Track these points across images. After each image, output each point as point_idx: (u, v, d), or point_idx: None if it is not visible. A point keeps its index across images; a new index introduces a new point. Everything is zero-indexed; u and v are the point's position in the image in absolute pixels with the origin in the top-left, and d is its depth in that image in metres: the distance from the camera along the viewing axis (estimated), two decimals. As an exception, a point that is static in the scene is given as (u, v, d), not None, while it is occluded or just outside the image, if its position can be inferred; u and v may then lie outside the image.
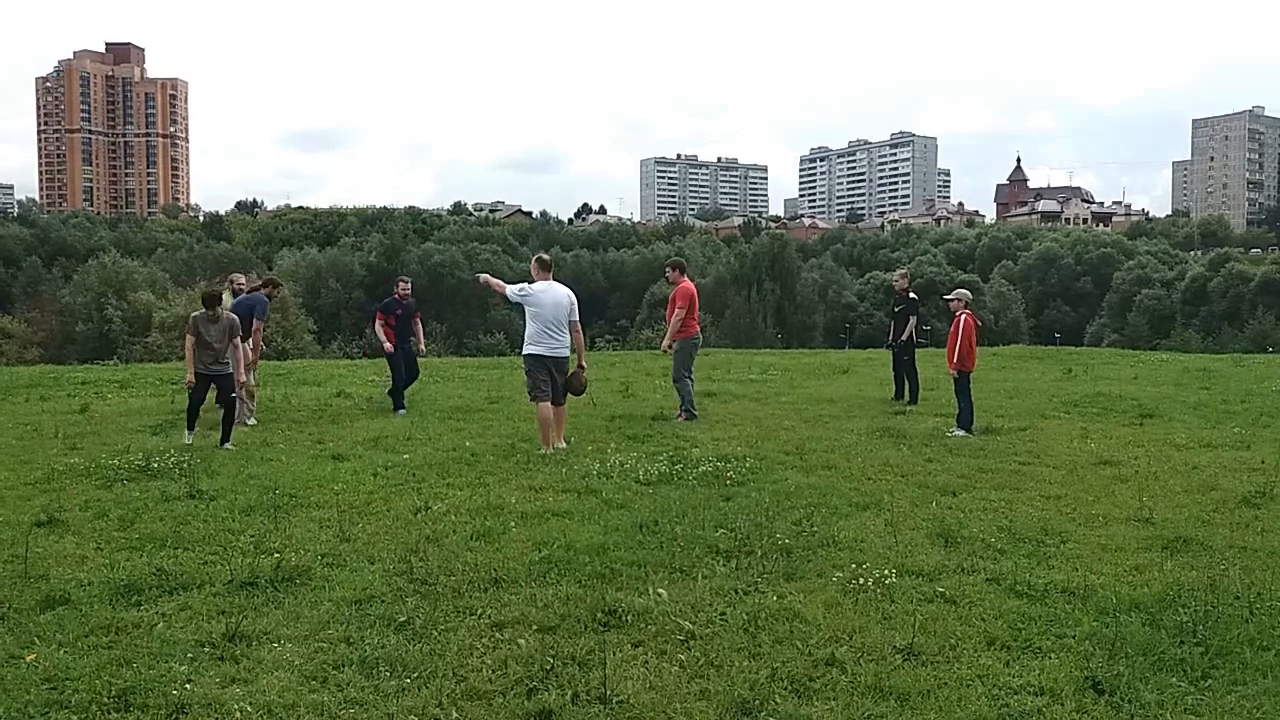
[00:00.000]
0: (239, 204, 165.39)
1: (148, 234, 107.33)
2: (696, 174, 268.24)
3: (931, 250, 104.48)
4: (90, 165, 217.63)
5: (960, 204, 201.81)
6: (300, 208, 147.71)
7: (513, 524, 6.36)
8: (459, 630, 4.53)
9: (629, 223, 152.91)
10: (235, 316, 10.16)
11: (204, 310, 9.87)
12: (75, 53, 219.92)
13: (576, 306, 9.49)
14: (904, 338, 13.35)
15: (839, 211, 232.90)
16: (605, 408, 12.23)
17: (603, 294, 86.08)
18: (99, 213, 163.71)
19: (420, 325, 13.04)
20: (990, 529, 6.28)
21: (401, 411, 12.08)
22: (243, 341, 11.15)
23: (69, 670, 4.07)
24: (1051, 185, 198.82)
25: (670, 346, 11.62)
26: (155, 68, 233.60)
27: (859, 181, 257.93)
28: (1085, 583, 5.13)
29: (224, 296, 12.56)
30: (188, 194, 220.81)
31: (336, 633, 4.50)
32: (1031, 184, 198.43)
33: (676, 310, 11.48)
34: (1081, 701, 3.84)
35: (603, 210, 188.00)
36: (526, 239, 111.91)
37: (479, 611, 4.75)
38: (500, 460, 8.72)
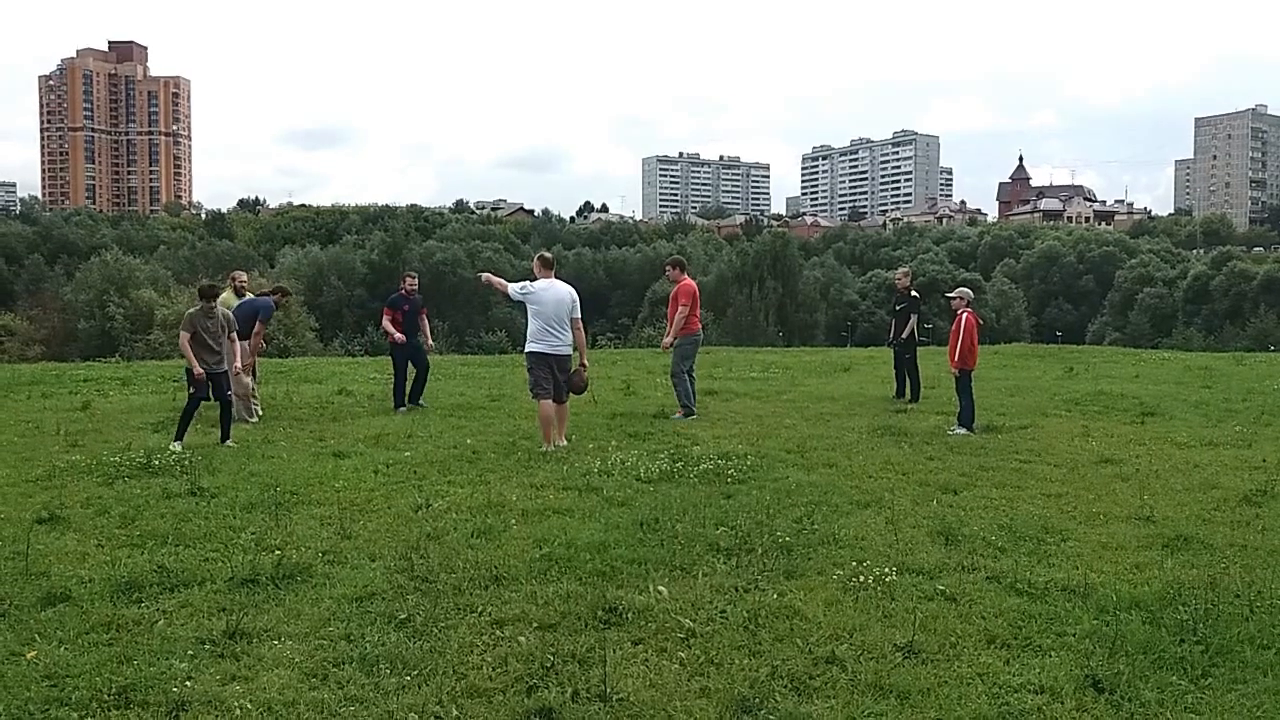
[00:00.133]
0: (241, 202, 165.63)
1: (150, 232, 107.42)
2: (698, 172, 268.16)
3: (933, 248, 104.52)
4: (93, 163, 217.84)
5: (962, 202, 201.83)
6: (302, 206, 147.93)
7: (513, 521, 6.36)
8: (459, 627, 4.53)
9: (631, 221, 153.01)
10: (229, 312, 10.11)
11: (200, 304, 9.75)
12: (78, 51, 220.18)
13: (578, 304, 9.48)
14: (905, 336, 13.35)
15: (841, 210, 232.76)
16: (606, 405, 12.23)
17: (604, 292, 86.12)
18: (101, 210, 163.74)
19: (426, 321, 12.93)
20: (991, 527, 6.28)
21: (402, 409, 12.08)
22: (241, 340, 11.16)
23: (69, 667, 4.07)
24: (1054, 184, 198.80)
25: (670, 344, 11.62)
26: (158, 66, 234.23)
27: (861, 180, 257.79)
28: (1086, 581, 5.13)
29: (226, 294, 12.59)
30: (190, 192, 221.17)
31: (337, 630, 4.51)
32: (1034, 182, 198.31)
33: (680, 307, 11.48)
34: (1082, 700, 3.84)
35: (604, 208, 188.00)
36: (528, 237, 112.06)
37: (479, 609, 4.75)
38: (501, 458, 8.72)
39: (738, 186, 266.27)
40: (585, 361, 9.65)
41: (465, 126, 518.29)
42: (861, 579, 5.07)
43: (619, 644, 4.32)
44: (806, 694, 3.88)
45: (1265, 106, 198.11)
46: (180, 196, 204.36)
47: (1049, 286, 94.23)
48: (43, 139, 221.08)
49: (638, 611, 4.67)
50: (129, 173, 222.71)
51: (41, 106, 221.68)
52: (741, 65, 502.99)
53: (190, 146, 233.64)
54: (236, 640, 4.36)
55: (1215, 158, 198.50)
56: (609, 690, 3.85)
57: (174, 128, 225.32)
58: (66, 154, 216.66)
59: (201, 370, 9.40)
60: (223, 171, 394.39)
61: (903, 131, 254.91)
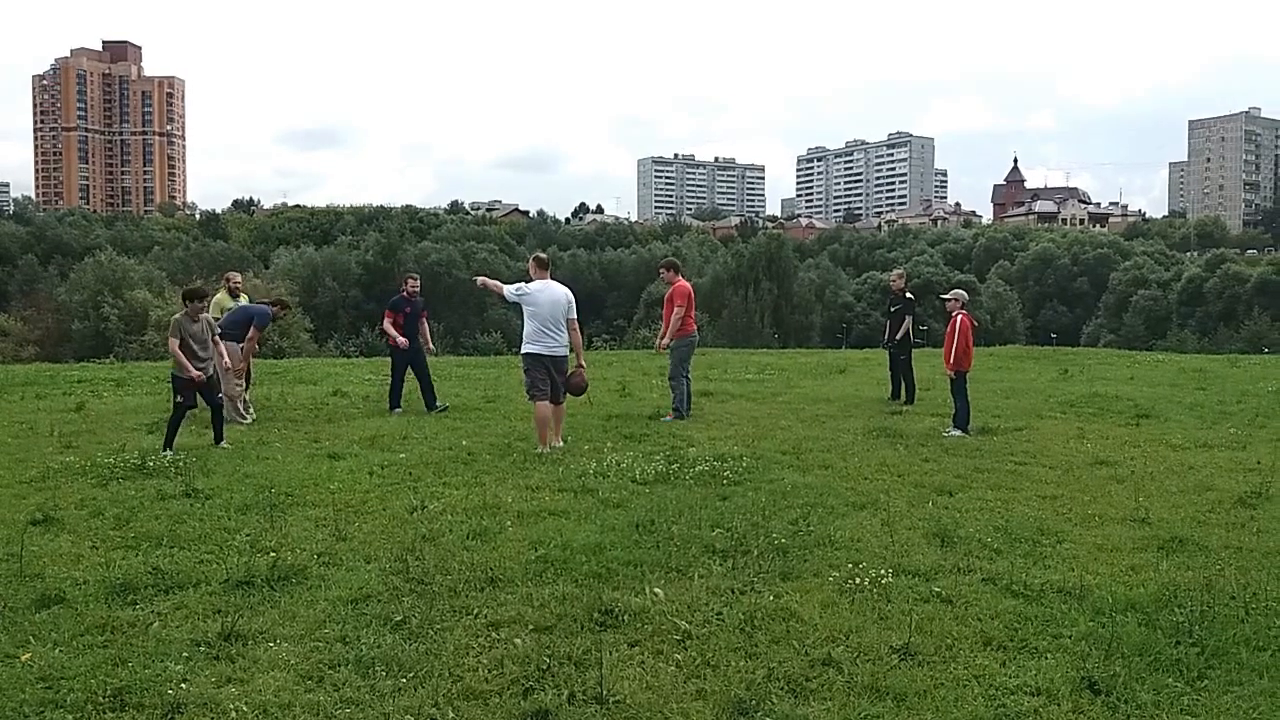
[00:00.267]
0: (236, 202, 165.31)
1: (144, 232, 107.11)
2: (694, 173, 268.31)
3: (928, 250, 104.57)
4: (87, 163, 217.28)
5: (957, 204, 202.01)
6: (297, 206, 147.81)
7: (509, 523, 6.36)
8: (455, 630, 4.52)
9: (626, 222, 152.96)
10: (209, 317, 10.00)
11: (185, 307, 9.55)
12: (72, 51, 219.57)
13: (574, 305, 9.47)
14: (900, 337, 13.36)
15: (836, 211, 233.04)
16: (602, 407, 12.22)
17: (600, 293, 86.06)
18: (95, 211, 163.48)
19: (427, 325, 12.64)
20: (986, 529, 6.29)
21: (398, 410, 12.04)
22: (235, 343, 11.13)
23: (64, 669, 4.06)
24: (1048, 186, 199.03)
25: (666, 344, 11.62)
26: (152, 66, 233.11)
27: (856, 181, 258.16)
28: (1081, 583, 5.13)
29: (221, 295, 12.56)
30: (184, 192, 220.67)
31: (332, 632, 4.50)
32: (1028, 184, 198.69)
33: (675, 309, 11.48)
34: (1078, 702, 3.84)
35: (600, 210, 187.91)
36: (524, 238, 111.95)
37: (475, 611, 4.74)
38: (497, 459, 8.71)
39: (733, 188, 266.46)
40: (583, 362, 9.65)
41: (461, 127, 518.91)
42: (857, 581, 5.07)
43: (615, 646, 4.32)
44: (803, 696, 3.88)
45: (1259, 109, 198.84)
46: (175, 197, 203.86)
47: (1044, 288, 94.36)
48: (36, 139, 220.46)
49: (634, 614, 4.66)
50: (123, 173, 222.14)
51: (35, 106, 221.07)
52: (738, 67, 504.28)
53: (184, 147, 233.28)
54: (232, 642, 4.34)
55: (1209, 160, 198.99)
56: (605, 692, 3.85)
57: (168, 128, 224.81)
58: (60, 154, 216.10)
59: (198, 375, 9.29)
60: (219, 172, 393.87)
61: (898, 133, 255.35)
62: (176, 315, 9.66)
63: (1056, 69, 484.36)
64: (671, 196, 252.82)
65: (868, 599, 4.91)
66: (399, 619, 4.63)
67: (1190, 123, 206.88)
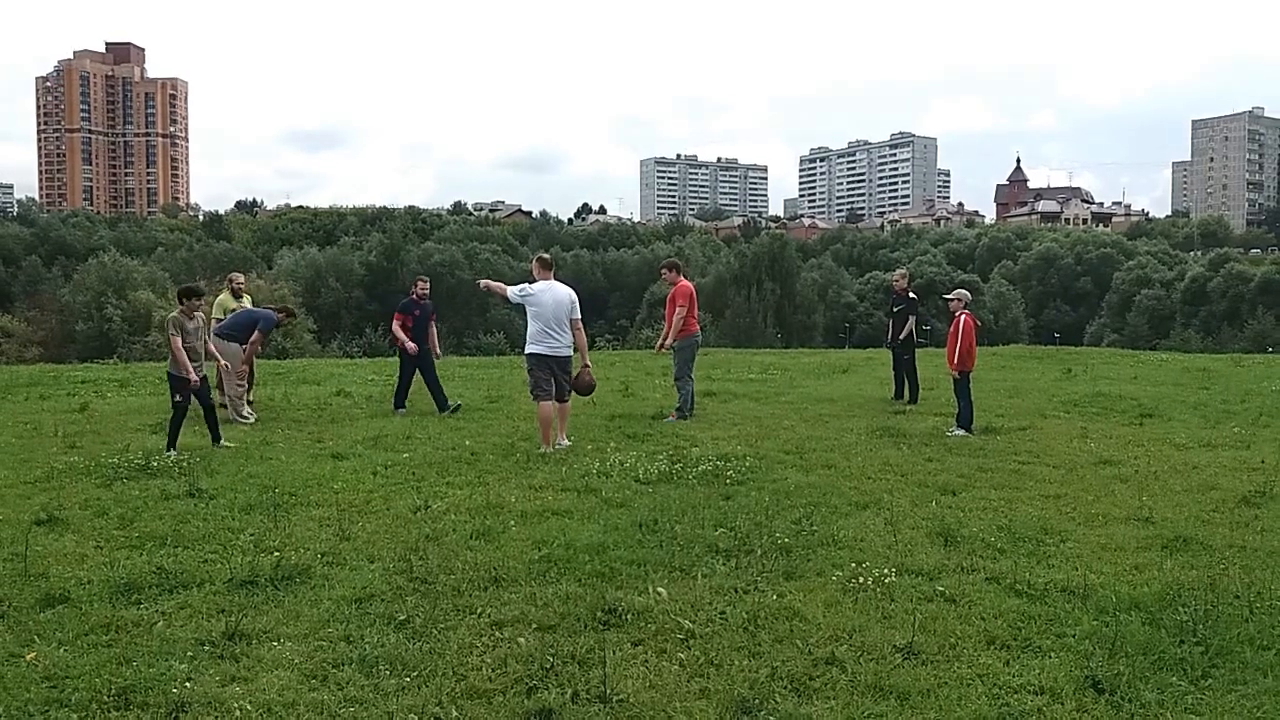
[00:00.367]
0: (239, 203, 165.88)
1: (147, 233, 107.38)
2: (696, 174, 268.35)
3: (931, 250, 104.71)
4: (90, 165, 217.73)
5: (960, 204, 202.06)
6: (300, 207, 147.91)
7: (512, 523, 6.36)
8: (459, 629, 4.53)
9: (629, 223, 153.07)
10: (202, 316, 9.96)
11: (181, 306, 9.45)
12: (75, 52, 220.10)
13: (578, 305, 9.47)
14: (903, 337, 13.36)
15: (839, 212, 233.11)
16: (605, 407, 12.22)
17: (602, 294, 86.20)
18: (99, 212, 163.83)
19: (435, 328, 12.42)
20: (990, 528, 6.28)
21: (402, 410, 12.03)
22: (237, 344, 11.14)
23: (69, 668, 4.06)
24: (1051, 185, 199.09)
25: (669, 345, 11.60)
26: (155, 67, 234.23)
27: (859, 182, 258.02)
28: (1085, 582, 5.13)
29: (224, 295, 12.58)
30: (187, 193, 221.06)
31: (336, 631, 4.50)
32: (1031, 184, 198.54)
33: (678, 309, 11.47)
34: (1081, 701, 3.83)
35: (602, 210, 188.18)
36: (526, 239, 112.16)
37: (479, 610, 4.75)
38: (500, 459, 8.72)
39: (735, 188, 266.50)
40: (588, 362, 9.65)
41: (464, 127, 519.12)
42: (861, 580, 5.07)
43: (618, 645, 4.32)
44: (806, 695, 3.88)
45: (1262, 109, 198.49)
46: (178, 198, 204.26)
47: (1047, 288, 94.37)
48: (40, 140, 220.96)
49: (637, 613, 4.67)
50: (126, 174, 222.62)
51: (39, 108, 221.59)
52: (740, 67, 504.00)
53: (188, 148, 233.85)
54: (236, 641, 4.35)
55: (1212, 160, 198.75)
56: (609, 691, 3.85)
57: (171, 129, 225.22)
58: (64, 155, 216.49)
59: (195, 380, 9.22)
60: (222, 173, 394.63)
61: (900, 133, 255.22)
62: (173, 314, 9.56)
63: (1058, 69, 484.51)
64: (674, 197, 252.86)
65: (871, 598, 4.91)
66: (403, 618, 4.63)
67: (1193, 122, 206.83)
